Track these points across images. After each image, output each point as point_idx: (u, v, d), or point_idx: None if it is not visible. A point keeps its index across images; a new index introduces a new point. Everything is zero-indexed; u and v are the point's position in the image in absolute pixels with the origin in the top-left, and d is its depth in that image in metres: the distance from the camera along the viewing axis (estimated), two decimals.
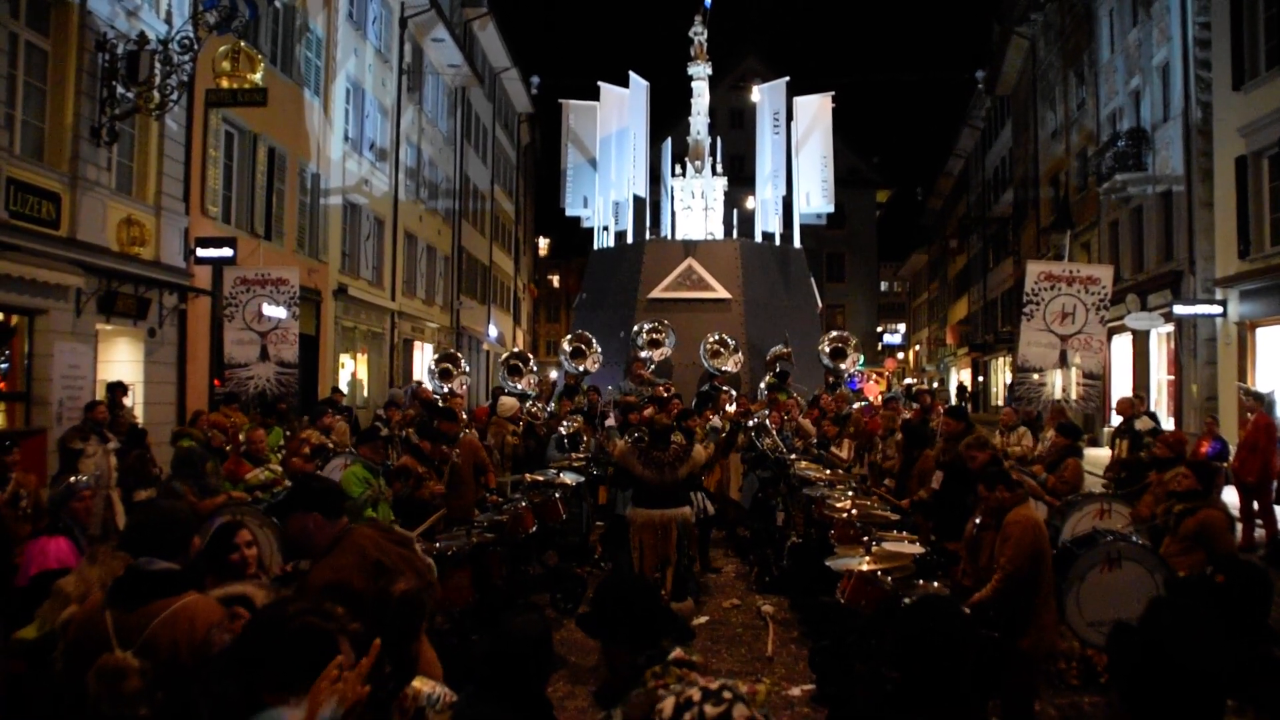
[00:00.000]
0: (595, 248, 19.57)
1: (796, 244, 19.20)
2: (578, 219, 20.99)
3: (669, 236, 19.09)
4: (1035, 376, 11.45)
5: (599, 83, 19.49)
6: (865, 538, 6.24)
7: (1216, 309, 17.12)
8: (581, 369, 14.54)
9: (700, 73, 19.28)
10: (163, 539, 3.07)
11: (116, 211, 12.46)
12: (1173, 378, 19.90)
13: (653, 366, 14.77)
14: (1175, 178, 19.17)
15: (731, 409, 11.72)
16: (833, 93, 19.70)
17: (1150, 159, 20.43)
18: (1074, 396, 11.44)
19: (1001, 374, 37.52)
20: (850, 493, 8.09)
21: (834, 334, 15.97)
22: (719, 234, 19.02)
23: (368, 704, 2.14)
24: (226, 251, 13.81)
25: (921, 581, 5.33)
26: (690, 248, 17.65)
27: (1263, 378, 15.57)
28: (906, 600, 4.99)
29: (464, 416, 10.04)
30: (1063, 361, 11.33)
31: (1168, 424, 16.99)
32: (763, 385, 14.21)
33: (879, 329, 57.97)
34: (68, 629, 3.02)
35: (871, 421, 10.61)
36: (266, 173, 17.26)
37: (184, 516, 3.37)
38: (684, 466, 7.08)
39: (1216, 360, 17.48)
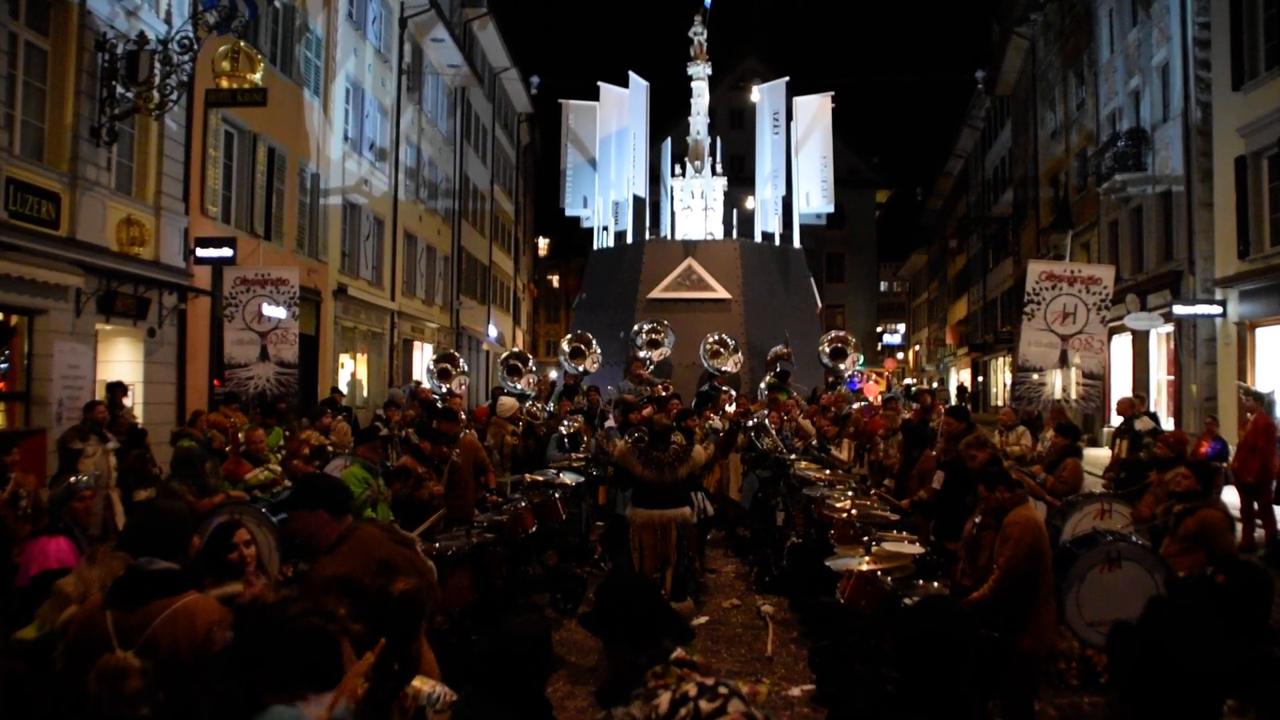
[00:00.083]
0: (595, 248, 19.58)
1: (796, 244, 19.21)
2: (577, 219, 21.00)
3: (669, 236, 19.10)
4: (1035, 376, 11.45)
5: (599, 83, 19.52)
6: (865, 538, 6.24)
7: (1216, 309, 17.13)
8: (581, 369, 14.55)
9: (700, 73, 19.29)
10: (162, 539, 3.07)
11: (116, 211, 12.46)
12: (1172, 378, 19.90)
13: (652, 367, 14.78)
14: (1175, 178, 19.18)
15: (731, 409, 11.72)
16: (832, 93, 19.74)
17: (1150, 159, 20.44)
18: (1074, 396, 11.44)
19: (1001, 374, 37.52)
20: (850, 493, 8.09)
21: (834, 334, 15.98)
22: (719, 234, 19.02)
23: (369, 703, 2.14)
24: (226, 251, 13.81)
25: (921, 581, 5.33)
26: (690, 248, 17.66)
27: (1262, 378, 15.57)
28: (907, 600, 4.99)
29: (463, 417, 10.04)
30: (1063, 361, 11.33)
31: (1168, 424, 16.99)
32: (763, 385, 14.22)
33: (879, 329, 57.98)
34: (68, 629, 3.02)
35: (872, 422, 10.61)
36: (266, 173, 17.26)
37: (183, 516, 3.38)
38: (684, 467, 7.07)
39: (1216, 360, 17.48)
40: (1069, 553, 6.04)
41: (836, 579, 5.62)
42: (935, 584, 5.33)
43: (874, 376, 23.81)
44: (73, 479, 6.20)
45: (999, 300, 36.56)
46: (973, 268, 42.56)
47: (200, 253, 13.95)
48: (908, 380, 36.52)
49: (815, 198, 19.39)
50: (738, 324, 16.50)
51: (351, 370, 22.37)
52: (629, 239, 19.09)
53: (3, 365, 11.11)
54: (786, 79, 20.06)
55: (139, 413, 12.18)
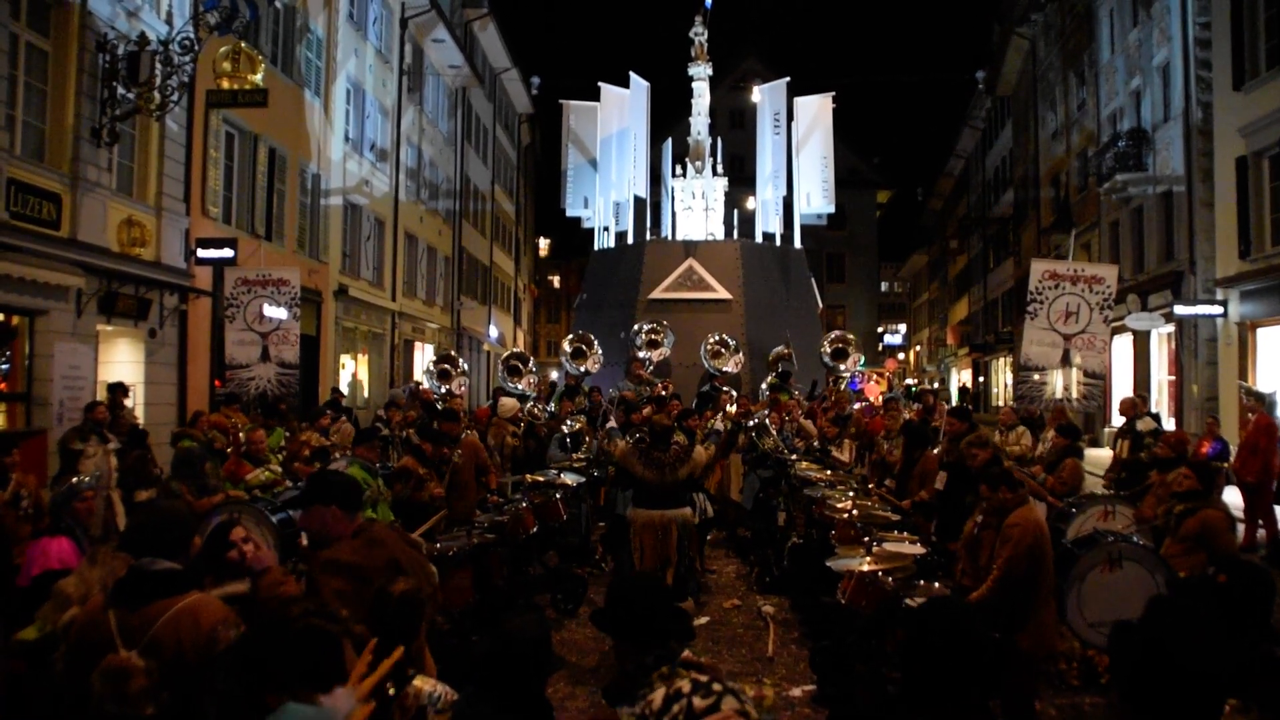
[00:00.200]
0: (596, 248, 19.58)
1: (797, 244, 19.21)
2: (578, 219, 21.01)
3: (669, 237, 19.10)
4: (1036, 376, 11.44)
5: (599, 83, 19.53)
6: (866, 538, 6.23)
7: (1217, 309, 17.12)
8: (582, 369, 14.55)
9: (701, 73, 19.29)
10: (164, 539, 3.08)
11: (117, 212, 12.47)
12: (1173, 378, 19.89)
13: (651, 367, 14.78)
14: (1176, 178, 19.17)
15: (731, 410, 11.72)
16: (833, 93, 19.76)
17: (1151, 159, 20.43)
18: (1075, 395, 11.44)
19: (1002, 374, 37.51)
20: (851, 493, 8.09)
21: (834, 334, 15.98)
22: (719, 234, 19.03)
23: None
24: (227, 252, 13.81)
25: (922, 582, 5.33)
26: (691, 248, 17.66)
27: (1263, 378, 15.57)
28: (908, 601, 4.99)
29: (464, 417, 10.04)
30: (1065, 361, 11.32)
31: (1169, 425, 16.98)
32: (764, 386, 14.22)
33: (879, 329, 57.97)
34: (70, 630, 3.02)
35: (873, 422, 10.61)
36: (267, 173, 17.27)
37: (184, 517, 3.39)
38: (684, 467, 7.07)
39: (1217, 360, 17.47)
40: (1070, 553, 6.04)
41: (837, 579, 5.61)
42: (936, 584, 5.32)
43: (875, 377, 23.80)
44: (74, 480, 6.21)
45: (1000, 300, 36.55)
46: (973, 268, 42.56)
47: (201, 253, 13.96)
48: (909, 380, 36.50)
49: (816, 198, 19.41)
50: (738, 324, 16.50)
51: (352, 371, 22.38)
52: (630, 239, 19.10)
53: (4, 366, 11.12)
54: (787, 79, 20.07)
55: (140, 413, 12.19)
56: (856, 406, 12.47)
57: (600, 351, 15.03)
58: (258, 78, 13.11)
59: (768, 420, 10.29)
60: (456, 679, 3.19)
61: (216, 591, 3.14)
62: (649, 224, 19.62)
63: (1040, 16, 29.06)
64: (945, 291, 51.75)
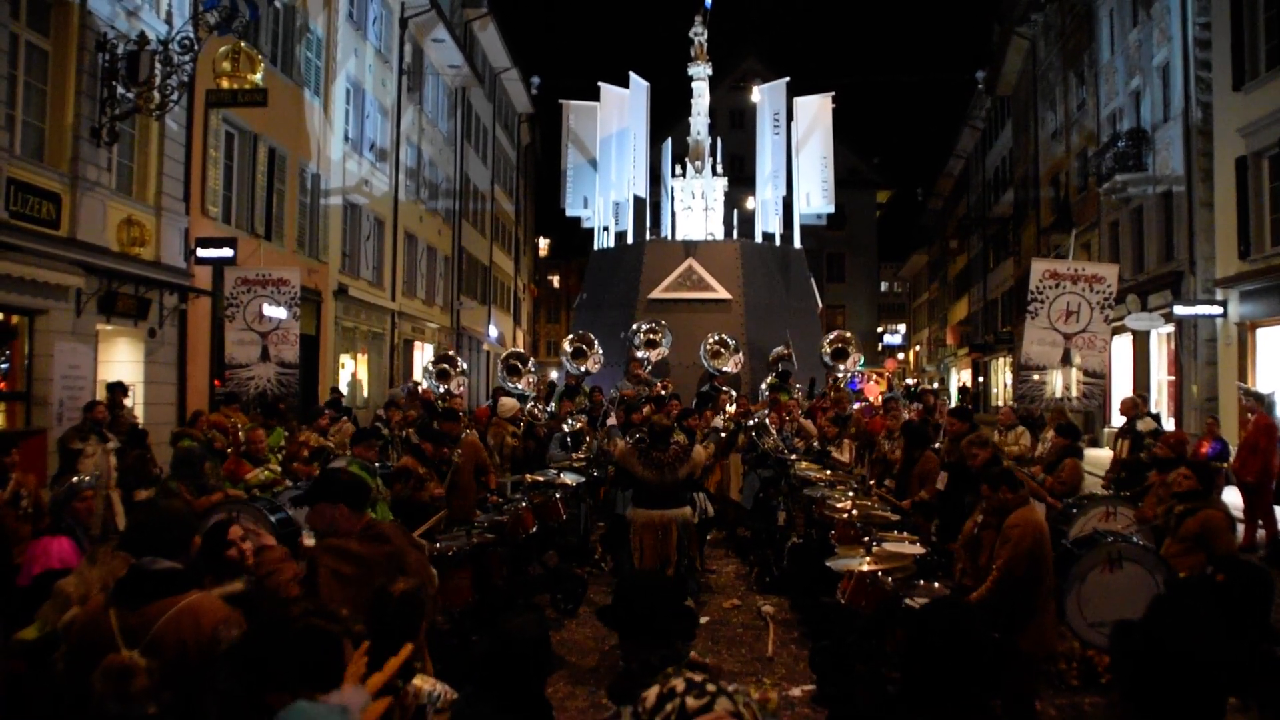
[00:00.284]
0: (595, 248, 19.59)
1: (797, 244, 19.22)
2: (578, 219, 21.02)
3: (669, 237, 19.11)
4: (1035, 376, 11.45)
5: (599, 83, 19.54)
6: (866, 538, 6.23)
7: (1217, 309, 17.13)
8: (583, 369, 14.55)
9: (700, 73, 19.30)
10: (164, 538, 3.08)
11: (117, 212, 12.46)
12: (1173, 378, 19.90)
13: (649, 367, 14.77)
14: (1175, 178, 19.18)
15: (731, 410, 11.72)
16: (833, 93, 19.77)
17: (1150, 159, 20.43)
18: (1074, 394, 11.44)
19: (1002, 374, 37.51)
20: (851, 493, 8.09)
21: (834, 334, 15.98)
22: (719, 234, 19.03)
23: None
24: (227, 252, 13.81)
25: (922, 582, 5.33)
26: (690, 248, 17.66)
27: (1263, 378, 15.57)
28: (908, 601, 4.99)
29: (464, 417, 10.03)
30: (1066, 360, 11.33)
31: (1168, 425, 16.99)
32: (764, 386, 14.22)
33: (879, 329, 57.97)
34: (71, 630, 3.02)
35: (872, 422, 10.61)
36: (267, 173, 17.27)
37: (185, 516, 3.39)
38: (684, 467, 7.07)
39: (1217, 361, 17.48)
40: (1070, 553, 6.04)
41: (837, 579, 5.61)
42: (936, 584, 5.33)
43: (874, 377, 23.80)
44: (75, 479, 6.20)
45: (999, 301, 36.56)
46: (973, 268, 42.56)
47: (201, 253, 13.96)
48: (909, 380, 36.44)
49: (816, 198, 19.41)
50: (738, 324, 16.51)
51: (352, 370, 22.38)
52: (629, 239, 19.10)
53: (3, 365, 11.12)
54: (787, 79, 20.08)
55: (140, 413, 12.19)
56: (856, 406, 12.48)
57: (601, 351, 15.04)
58: (257, 77, 13.11)
59: (768, 420, 10.30)
60: (456, 679, 3.19)
61: (216, 591, 3.14)
62: (649, 224, 19.63)
63: (1040, 16, 29.07)
64: (945, 291, 51.76)
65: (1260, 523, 10.55)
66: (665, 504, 7.00)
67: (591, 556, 9.61)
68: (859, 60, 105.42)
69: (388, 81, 24.03)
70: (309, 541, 4.12)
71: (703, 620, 7.67)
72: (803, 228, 19.84)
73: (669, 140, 20.30)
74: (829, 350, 15.36)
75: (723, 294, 17.02)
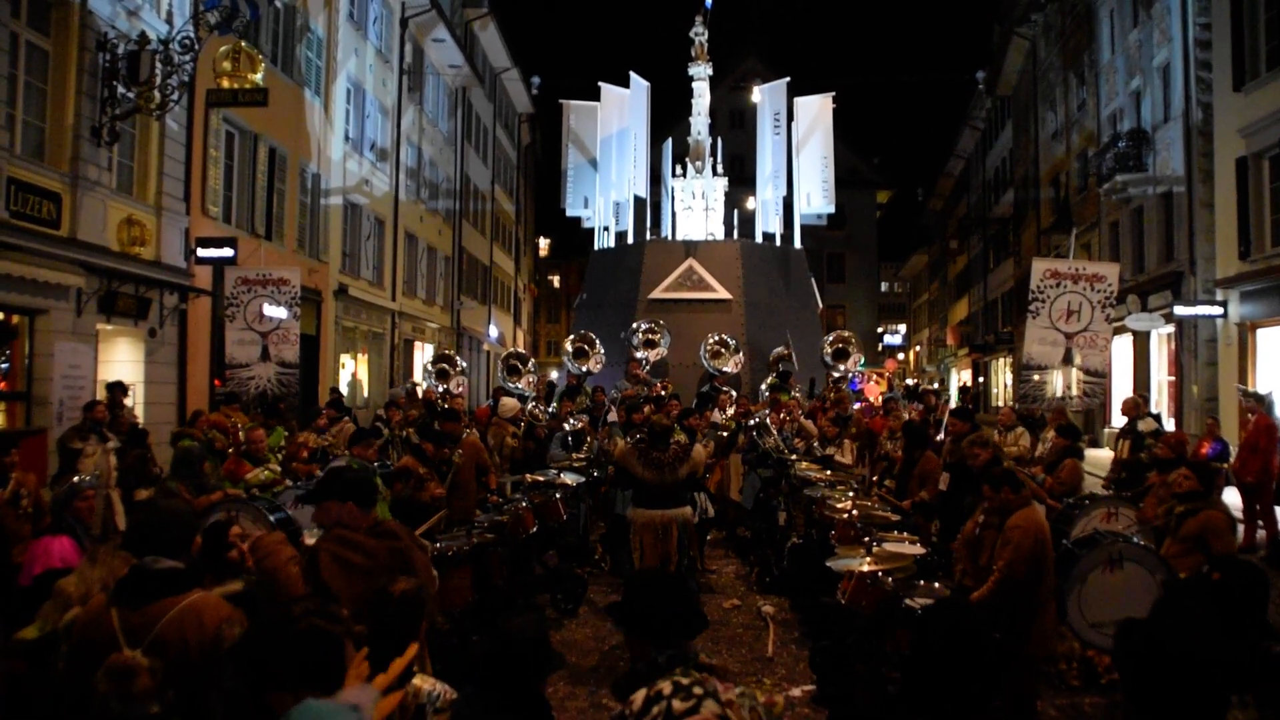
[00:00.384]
0: (596, 248, 19.59)
1: (797, 244, 19.22)
2: (578, 219, 21.02)
3: (669, 237, 19.11)
4: (1036, 376, 11.45)
5: (599, 83, 19.55)
6: (866, 538, 6.23)
7: (1217, 310, 17.13)
8: (584, 369, 14.56)
9: (701, 73, 19.30)
10: (166, 538, 3.08)
11: (117, 211, 12.46)
12: (1173, 379, 19.90)
13: (648, 367, 14.77)
14: (1176, 178, 19.18)
15: (731, 410, 11.73)
16: (833, 93, 19.78)
17: (1151, 160, 20.43)
18: (1075, 393, 11.43)
19: (1002, 375, 37.51)
20: (851, 493, 8.09)
21: (833, 335, 15.98)
22: (719, 234, 19.03)
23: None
24: (227, 251, 13.82)
25: (922, 582, 5.33)
26: (691, 248, 17.67)
27: (1263, 379, 15.57)
28: (908, 601, 4.99)
29: (465, 417, 10.04)
30: (1068, 360, 11.32)
31: (1168, 425, 16.98)
32: (764, 386, 14.22)
33: (879, 329, 57.97)
34: (73, 629, 3.02)
35: (873, 421, 10.61)
36: (267, 173, 17.27)
37: (186, 515, 3.39)
38: (684, 466, 7.07)
39: (1217, 361, 17.48)
40: (1071, 553, 6.04)
41: (837, 579, 5.62)
42: (936, 585, 5.33)
43: (875, 377, 23.80)
44: (76, 479, 6.20)
45: (1000, 301, 36.56)
46: (973, 268, 42.57)
47: (201, 253, 13.96)
48: (909, 380, 36.41)
49: (816, 198, 19.41)
50: (738, 324, 16.51)
51: (352, 370, 22.38)
52: (630, 239, 19.10)
53: (4, 365, 11.12)
54: (787, 79, 20.08)
55: (140, 413, 12.19)
56: (856, 406, 12.48)
57: (602, 351, 15.05)
58: (258, 77, 13.11)
59: (768, 419, 10.30)
60: (456, 679, 3.19)
61: (217, 590, 3.14)
62: (649, 224, 19.63)
63: (1040, 17, 29.06)
64: (945, 292, 51.75)
65: (1260, 523, 10.55)
66: (665, 504, 7.01)
67: (592, 556, 9.61)
68: (859, 60, 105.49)
69: (388, 81, 24.03)
70: (310, 541, 4.12)
71: None
72: (803, 228, 19.84)
73: (669, 140, 20.31)
74: (830, 350, 15.36)
75: (723, 294, 17.02)
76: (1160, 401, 20.49)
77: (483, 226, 34.89)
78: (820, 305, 20.05)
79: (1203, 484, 5.66)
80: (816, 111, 19.57)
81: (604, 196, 19.26)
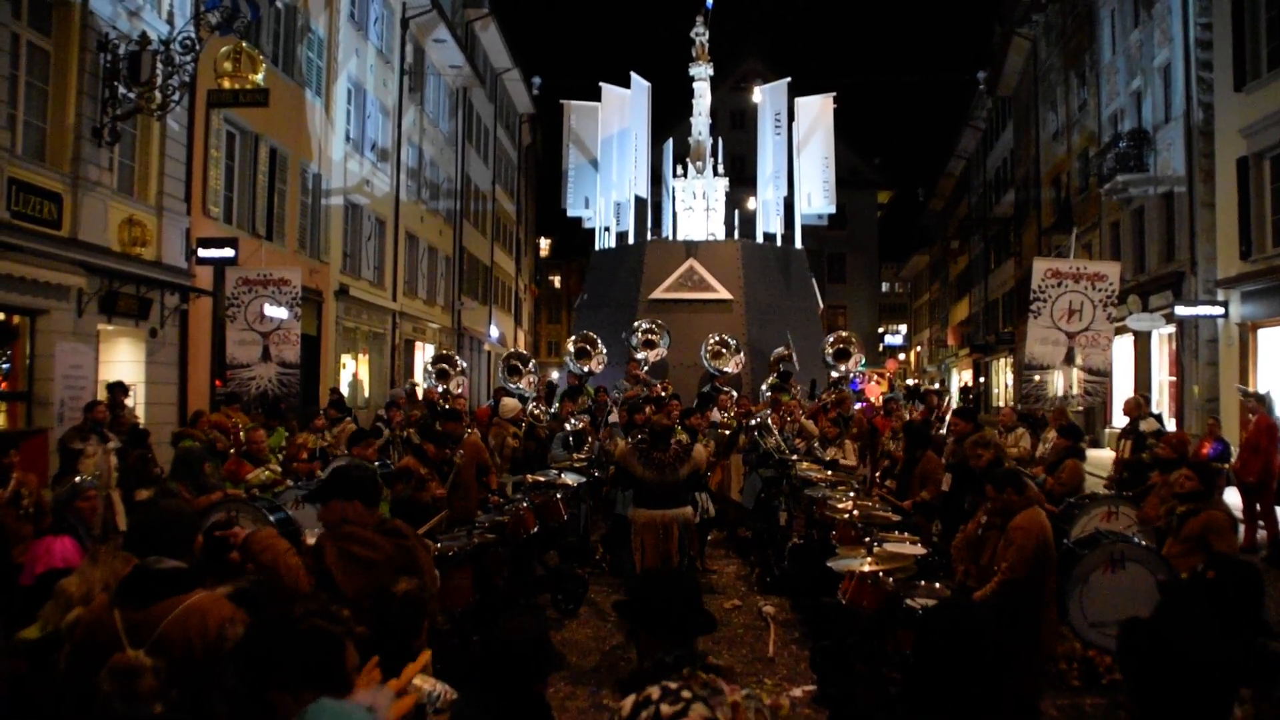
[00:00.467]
0: (596, 248, 19.59)
1: (798, 245, 19.22)
2: (579, 219, 21.02)
3: (670, 237, 19.11)
4: (1037, 377, 11.45)
5: (600, 83, 19.54)
6: (867, 539, 6.23)
7: (1218, 310, 17.12)
8: (586, 369, 14.56)
9: (702, 73, 19.30)
10: (168, 538, 3.08)
11: (118, 212, 12.47)
12: (1174, 379, 19.89)
13: (646, 367, 14.77)
14: (1177, 179, 19.17)
15: (731, 411, 11.71)
16: (834, 93, 19.76)
17: (1152, 160, 20.42)
18: (1075, 391, 11.44)
19: (1003, 375, 37.49)
20: (852, 494, 8.09)
21: (834, 335, 15.96)
22: (720, 235, 19.03)
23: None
24: (228, 252, 13.82)
25: (923, 582, 5.33)
26: (691, 248, 17.67)
27: (1264, 379, 15.56)
28: (909, 601, 4.98)
29: (467, 418, 10.04)
30: (1069, 359, 11.33)
31: (1169, 425, 16.98)
32: (764, 386, 14.22)
33: (880, 330, 57.96)
34: (76, 630, 3.02)
35: (878, 419, 10.61)
36: (268, 173, 17.27)
37: (188, 515, 3.39)
38: (685, 466, 7.07)
39: (1218, 361, 17.47)
40: (1072, 553, 6.04)
41: (838, 580, 5.61)
42: (937, 585, 5.32)
43: (875, 377, 23.82)
44: (77, 479, 6.21)
45: (1000, 301, 36.54)
46: (974, 268, 42.55)
47: (202, 253, 13.96)
48: (909, 380, 36.38)
49: (817, 198, 19.41)
50: (739, 325, 16.50)
51: (353, 371, 22.39)
52: (630, 240, 19.10)
53: (5, 365, 11.12)
54: (788, 80, 20.07)
55: (141, 413, 12.19)
56: (857, 406, 12.48)
57: (604, 351, 15.05)
58: (259, 77, 13.12)
59: (769, 419, 10.29)
60: (456, 679, 3.19)
61: (220, 590, 3.14)
62: (650, 224, 19.63)
63: (1041, 17, 29.05)
64: (946, 292, 51.73)
65: (1261, 523, 10.54)
66: (666, 504, 7.00)
67: (592, 556, 9.61)
68: (860, 60, 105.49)
69: (389, 82, 24.04)
70: (311, 540, 4.12)
71: None
72: (804, 228, 19.84)
73: (670, 140, 20.31)
74: (831, 351, 15.36)
75: (724, 294, 17.02)
76: (1161, 402, 20.48)
77: (483, 227, 34.90)
78: (821, 305, 20.04)
79: (1204, 484, 5.66)
80: (817, 112, 19.56)
81: (605, 197, 19.26)
